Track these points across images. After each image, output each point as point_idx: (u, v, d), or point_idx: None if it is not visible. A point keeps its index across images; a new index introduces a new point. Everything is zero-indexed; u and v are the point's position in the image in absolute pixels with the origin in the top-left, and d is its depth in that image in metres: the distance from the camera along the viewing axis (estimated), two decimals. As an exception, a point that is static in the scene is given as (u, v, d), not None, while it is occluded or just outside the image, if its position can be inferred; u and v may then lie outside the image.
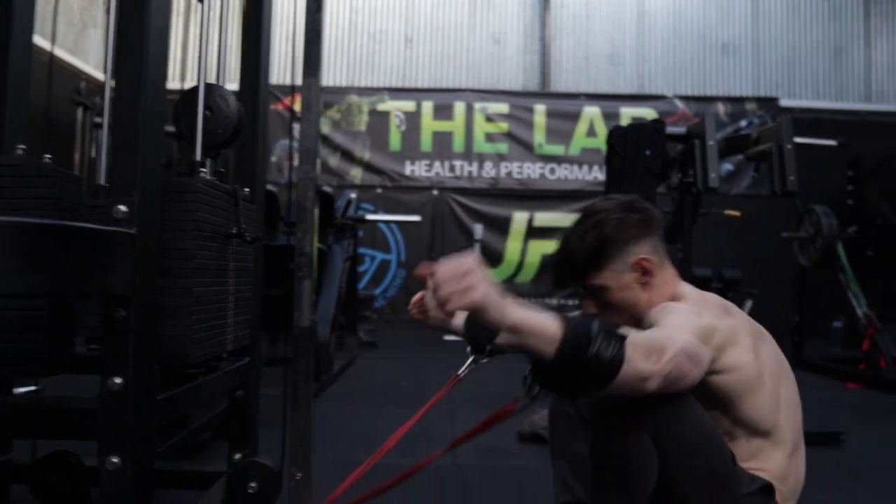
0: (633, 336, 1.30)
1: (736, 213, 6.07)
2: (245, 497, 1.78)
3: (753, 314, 5.79)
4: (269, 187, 5.21)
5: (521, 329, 1.22)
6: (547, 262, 9.54)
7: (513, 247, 9.70)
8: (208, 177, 1.87)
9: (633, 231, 1.67)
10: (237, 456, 2.26)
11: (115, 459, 1.37)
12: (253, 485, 1.79)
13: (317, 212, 1.86)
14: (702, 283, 7.28)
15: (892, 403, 4.85)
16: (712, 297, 1.70)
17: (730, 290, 7.42)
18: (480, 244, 8.72)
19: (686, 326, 1.45)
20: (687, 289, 1.72)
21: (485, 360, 1.89)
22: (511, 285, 9.54)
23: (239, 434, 2.26)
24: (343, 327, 6.53)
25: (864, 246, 5.74)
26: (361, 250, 9.00)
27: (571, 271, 1.69)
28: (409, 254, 9.69)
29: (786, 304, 6.52)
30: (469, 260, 1.23)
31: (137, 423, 1.42)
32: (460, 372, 1.94)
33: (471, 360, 1.93)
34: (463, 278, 1.20)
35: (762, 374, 1.58)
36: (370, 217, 7.92)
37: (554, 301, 9.35)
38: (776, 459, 1.59)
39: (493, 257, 9.50)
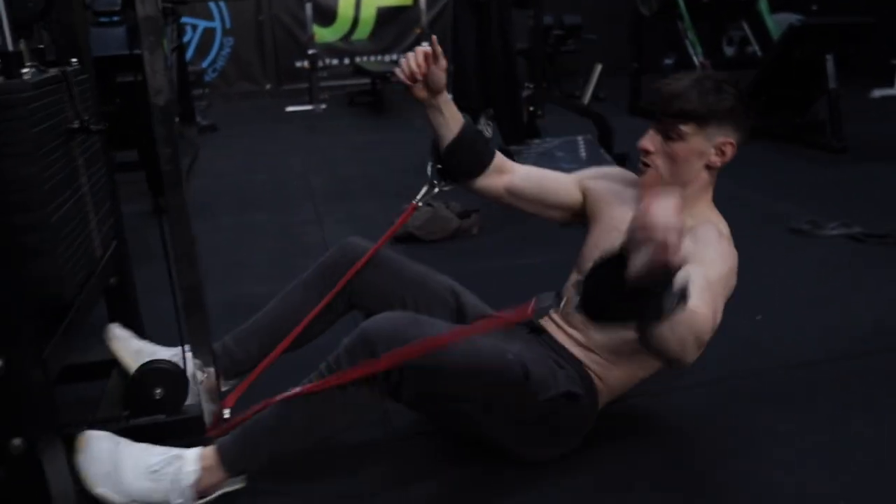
0: (702, 314, 1.35)
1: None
2: (152, 403, 1.74)
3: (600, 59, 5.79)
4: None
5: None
6: (383, 15, 9.08)
7: (345, 2, 9.08)
8: (31, 72, 1.57)
9: (744, 122, 1.68)
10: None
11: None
12: (158, 391, 1.75)
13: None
14: (544, 30, 7.22)
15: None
16: None
17: (570, 37, 7.45)
18: (313, 3, 8.09)
19: (723, 286, 1.54)
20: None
21: (446, 189, 1.92)
22: (349, 43, 9.11)
23: (121, 316, 2.16)
24: (181, 118, 6.10)
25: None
26: (181, 20, 8.18)
27: (690, 105, 1.64)
28: (235, 20, 8.89)
29: (623, 46, 6.61)
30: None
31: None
32: (417, 200, 1.93)
33: (431, 186, 1.92)
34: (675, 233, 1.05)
35: None
36: (191, -2, 7.09)
37: (395, 56, 9.04)
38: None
39: (326, 15, 8.92)
